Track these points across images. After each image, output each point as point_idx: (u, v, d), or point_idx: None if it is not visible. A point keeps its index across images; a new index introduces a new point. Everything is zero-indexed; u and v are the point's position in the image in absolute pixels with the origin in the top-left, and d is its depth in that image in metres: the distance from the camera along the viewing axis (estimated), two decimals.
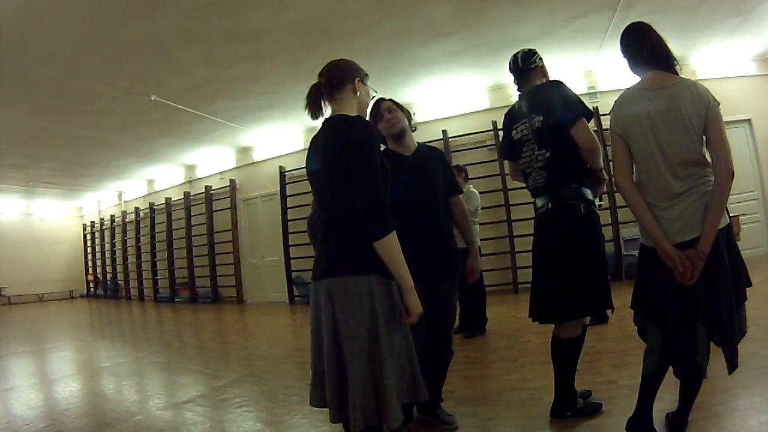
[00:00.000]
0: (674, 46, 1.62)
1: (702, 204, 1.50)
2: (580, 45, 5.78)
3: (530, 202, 2.10)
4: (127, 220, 12.46)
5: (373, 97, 1.50)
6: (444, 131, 7.14)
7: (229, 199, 9.57)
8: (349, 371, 1.28)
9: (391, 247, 1.29)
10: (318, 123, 1.50)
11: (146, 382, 3.59)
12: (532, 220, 2.13)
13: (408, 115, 2.17)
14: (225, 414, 2.61)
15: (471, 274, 2.22)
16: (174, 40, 4.77)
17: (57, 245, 14.14)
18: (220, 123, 7.63)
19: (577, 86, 6.23)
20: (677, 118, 1.51)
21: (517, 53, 2.09)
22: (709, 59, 6.52)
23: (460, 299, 4.07)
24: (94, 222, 14.04)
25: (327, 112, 1.47)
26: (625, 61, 1.72)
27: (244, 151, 9.52)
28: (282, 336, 5.45)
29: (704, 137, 1.52)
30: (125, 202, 12.74)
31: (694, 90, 1.52)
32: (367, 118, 1.58)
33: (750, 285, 1.57)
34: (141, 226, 11.86)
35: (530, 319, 2.02)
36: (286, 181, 8.58)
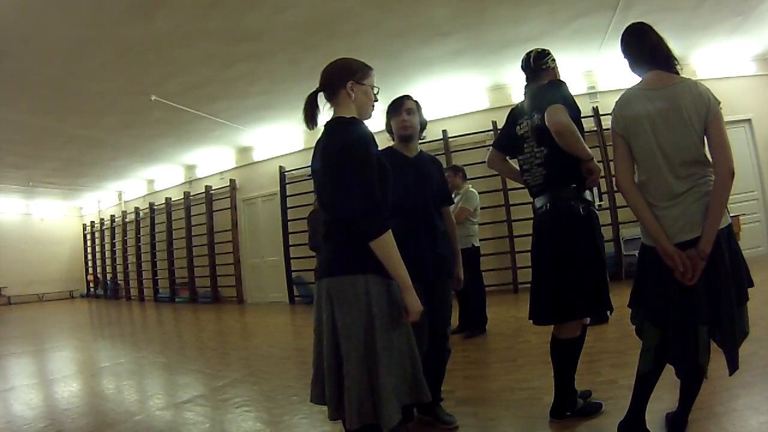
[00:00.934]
0: (674, 46, 1.62)
1: (703, 204, 1.50)
2: (580, 45, 5.78)
3: (530, 202, 2.11)
4: (127, 220, 12.46)
5: (376, 93, 1.51)
6: (444, 131, 7.13)
7: (229, 199, 9.57)
8: (345, 370, 1.29)
9: (387, 246, 1.30)
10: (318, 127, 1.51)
11: (146, 382, 3.59)
12: (532, 220, 2.12)
13: (424, 123, 2.21)
14: (225, 414, 2.61)
15: (456, 282, 2.24)
16: (174, 40, 4.77)
17: (57, 245, 14.13)
18: (220, 123, 7.63)
19: (577, 86, 6.26)
20: (678, 118, 1.51)
21: (531, 52, 2.07)
22: (709, 59, 6.52)
23: (461, 299, 4.10)
24: (94, 222, 14.04)
25: (329, 115, 1.49)
26: (625, 61, 1.72)
27: (244, 151, 9.52)
28: (282, 336, 5.45)
29: (705, 137, 1.52)
30: (125, 202, 12.73)
31: (695, 89, 1.52)
32: (380, 113, 1.57)
33: (752, 285, 1.57)
34: (141, 226, 11.86)
35: (530, 320, 2.02)
36: (286, 181, 8.59)
